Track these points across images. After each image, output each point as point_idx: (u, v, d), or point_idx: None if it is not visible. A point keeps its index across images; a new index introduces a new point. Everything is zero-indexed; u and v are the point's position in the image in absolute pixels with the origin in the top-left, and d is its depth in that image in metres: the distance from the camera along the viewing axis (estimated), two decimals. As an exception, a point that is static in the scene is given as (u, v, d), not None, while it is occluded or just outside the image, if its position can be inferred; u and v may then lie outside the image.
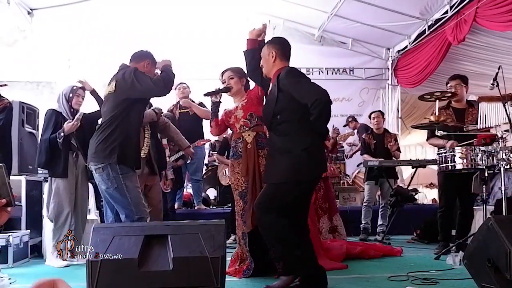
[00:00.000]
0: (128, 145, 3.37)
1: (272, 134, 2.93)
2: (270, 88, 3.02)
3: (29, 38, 8.14)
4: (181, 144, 4.69)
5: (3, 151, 4.00)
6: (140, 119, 3.52)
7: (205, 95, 3.60)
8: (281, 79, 2.85)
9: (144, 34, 8.15)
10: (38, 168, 4.79)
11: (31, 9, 7.83)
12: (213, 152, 7.69)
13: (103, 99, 3.57)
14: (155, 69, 3.56)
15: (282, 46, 3.02)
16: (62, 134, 4.10)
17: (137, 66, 3.43)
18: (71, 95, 4.29)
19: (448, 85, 4.65)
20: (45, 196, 4.40)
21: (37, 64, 8.09)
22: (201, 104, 6.02)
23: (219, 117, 3.65)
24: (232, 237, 4.91)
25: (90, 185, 4.56)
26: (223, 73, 3.64)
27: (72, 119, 4.16)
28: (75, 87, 4.32)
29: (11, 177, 4.08)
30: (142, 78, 3.29)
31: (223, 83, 3.61)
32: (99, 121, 3.75)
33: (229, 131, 6.89)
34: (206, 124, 6.26)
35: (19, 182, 4.45)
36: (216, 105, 3.59)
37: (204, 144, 6.18)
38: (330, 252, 4.08)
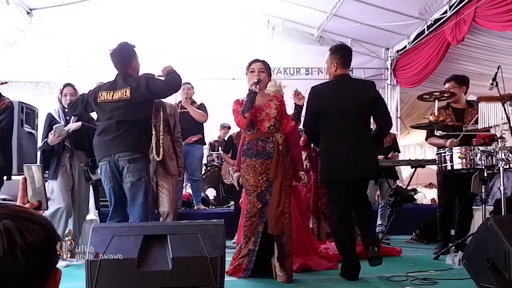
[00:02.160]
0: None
1: None
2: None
3: (29, 38, 8.13)
4: None
5: (5, 151, 3.99)
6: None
7: (256, 83, 3.24)
8: None
9: (144, 35, 8.15)
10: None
11: (30, 9, 7.81)
12: (212, 152, 7.68)
13: (111, 104, 3.51)
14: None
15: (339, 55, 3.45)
16: (45, 145, 4.12)
17: (130, 71, 3.57)
18: (60, 96, 4.29)
19: (445, 86, 4.67)
20: (44, 196, 4.39)
21: (37, 64, 8.07)
22: (201, 105, 6.01)
23: (234, 107, 3.43)
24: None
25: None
26: (254, 62, 3.43)
27: (67, 122, 4.16)
28: (61, 87, 4.30)
29: (12, 177, 4.09)
30: (155, 82, 3.56)
31: (251, 72, 3.39)
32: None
33: (230, 131, 6.94)
34: (205, 125, 6.27)
35: (18, 182, 4.42)
36: (254, 95, 3.26)
37: (196, 140, 6.11)
38: (327, 252, 4.09)
